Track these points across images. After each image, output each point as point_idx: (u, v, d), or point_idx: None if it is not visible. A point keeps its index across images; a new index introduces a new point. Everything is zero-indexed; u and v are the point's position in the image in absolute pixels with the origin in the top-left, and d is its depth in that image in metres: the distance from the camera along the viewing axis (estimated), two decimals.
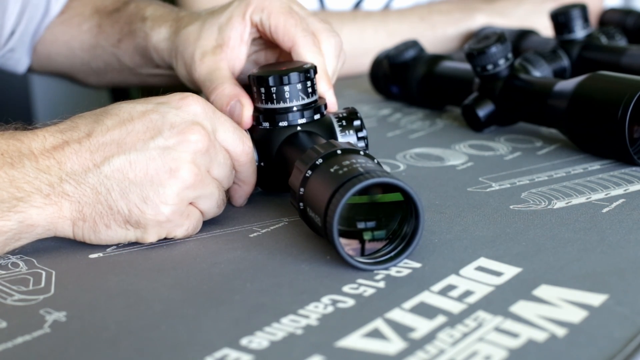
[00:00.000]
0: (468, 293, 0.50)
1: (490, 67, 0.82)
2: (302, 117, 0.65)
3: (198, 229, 0.61)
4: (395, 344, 0.45)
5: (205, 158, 0.59)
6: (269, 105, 0.65)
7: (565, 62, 0.91)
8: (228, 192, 0.65)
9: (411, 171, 0.75)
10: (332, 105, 0.69)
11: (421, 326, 0.47)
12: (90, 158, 0.57)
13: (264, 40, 0.74)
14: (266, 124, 0.66)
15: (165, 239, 0.60)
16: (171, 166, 0.57)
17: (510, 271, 0.53)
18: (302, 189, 0.56)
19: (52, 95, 1.71)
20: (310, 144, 0.62)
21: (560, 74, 0.91)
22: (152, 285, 0.55)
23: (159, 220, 0.58)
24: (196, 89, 0.73)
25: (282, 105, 0.65)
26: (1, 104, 1.58)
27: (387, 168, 0.75)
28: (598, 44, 0.95)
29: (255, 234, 0.62)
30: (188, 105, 0.60)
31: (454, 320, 0.47)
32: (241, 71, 0.72)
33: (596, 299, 0.48)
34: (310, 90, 0.65)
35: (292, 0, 0.72)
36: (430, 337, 0.45)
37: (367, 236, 0.55)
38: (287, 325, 0.48)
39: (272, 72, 0.65)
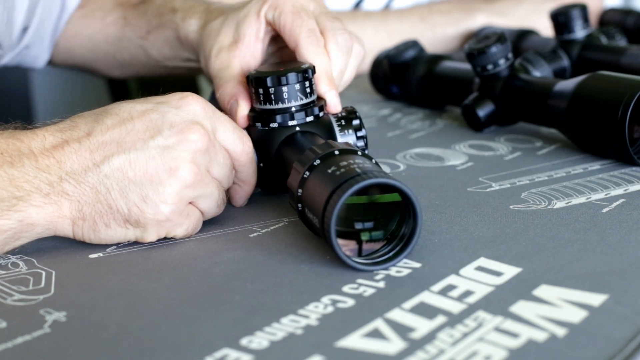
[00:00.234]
0: (468, 293, 0.50)
1: (490, 67, 0.82)
2: (301, 117, 0.65)
3: (198, 229, 0.61)
4: (395, 344, 0.45)
5: (205, 157, 0.59)
6: (268, 106, 0.65)
7: (565, 62, 0.91)
8: (228, 193, 0.65)
9: (411, 171, 0.75)
10: (333, 106, 0.67)
11: (421, 326, 0.47)
12: (90, 157, 0.57)
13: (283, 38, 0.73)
14: (265, 125, 0.66)
15: (165, 238, 0.60)
16: (171, 165, 0.57)
17: (510, 271, 0.53)
18: (300, 190, 0.56)
19: (52, 95, 1.71)
20: (309, 144, 0.62)
21: (560, 74, 0.90)
22: (152, 285, 0.54)
23: (159, 219, 0.58)
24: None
25: (280, 105, 0.65)
26: (1, 103, 1.57)
27: (387, 168, 0.75)
28: (598, 44, 0.95)
29: (255, 234, 0.62)
30: (188, 104, 0.60)
31: (454, 320, 0.47)
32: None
33: (596, 299, 0.48)
34: (308, 90, 0.65)
35: None
36: (430, 337, 0.45)
37: (365, 237, 0.55)
38: (287, 325, 0.48)
39: (270, 72, 0.65)
